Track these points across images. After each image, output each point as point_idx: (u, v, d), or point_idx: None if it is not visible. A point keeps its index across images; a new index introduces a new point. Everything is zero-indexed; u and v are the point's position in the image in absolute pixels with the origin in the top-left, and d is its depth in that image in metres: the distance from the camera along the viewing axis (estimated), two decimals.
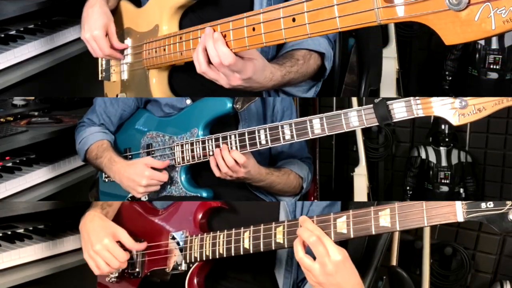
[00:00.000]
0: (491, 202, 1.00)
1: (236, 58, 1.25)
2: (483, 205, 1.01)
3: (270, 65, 1.38)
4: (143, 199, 1.65)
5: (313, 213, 1.46)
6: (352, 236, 1.13)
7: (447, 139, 2.95)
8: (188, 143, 1.57)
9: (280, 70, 1.42)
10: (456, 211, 1.03)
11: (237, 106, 1.52)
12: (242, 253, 1.28)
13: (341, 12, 1.03)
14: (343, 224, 1.14)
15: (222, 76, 1.31)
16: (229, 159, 1.46)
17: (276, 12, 1.16)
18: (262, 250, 1.25)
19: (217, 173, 1.50)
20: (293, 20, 1.12)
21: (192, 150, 1.56)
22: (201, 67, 1.31)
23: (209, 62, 1.30)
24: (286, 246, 1.23)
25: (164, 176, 1.58)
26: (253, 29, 1.21)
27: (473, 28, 0.86)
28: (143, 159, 1.62)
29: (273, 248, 1.24)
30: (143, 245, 1.46)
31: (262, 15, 1.19)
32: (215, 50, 1.26)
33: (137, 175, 1.57)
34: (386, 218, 1.10)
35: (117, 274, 1.50)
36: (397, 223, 1.08)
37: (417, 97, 1.23)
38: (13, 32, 2.00)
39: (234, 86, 1.32)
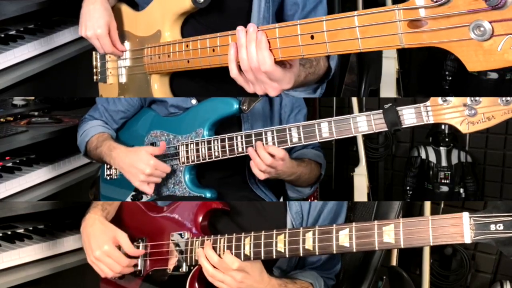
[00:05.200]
0: (501, 224, 0.97)
1: (275, 67, 1.17)
2: (492, 226, 0.98)
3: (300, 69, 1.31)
4: (145, 198, 1.65)
5: (325, 220, 1.46)
6: (354, 250, 1.12)
7: (447, 139, 2.95)
8: (193, 143, 1.57)
9: (304, 71, 1.38)
10: (464, 232, 1.00)
11: (244, 107, 1.52)
12: (242, 259, 1.26)
13: (363, 34, 1.03)
14: (345, 237, 1.13)
15: (257, 87, 1.22)
16: (266, 156, 1.40)
17: (293, 28, 1.13)
18: (263, 258, 1.24)
19: (261, 176, 1.44)
20: (312, 37, 1.10)
21: (197, 150, 1.55)
22: (232, 71, 1.22)
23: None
24: (287, 255, 1.21)
25: (167, 168, 1.57)
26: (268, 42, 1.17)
27: (496, 57, 0.88)
28: (144, 148, 1.59)
29: (274, 256, 1.23)
30: (142, 251, 1.46)
31: (278, 29, 1.16)
32: (256, 53, 1.16)
33: (141, 163, 1.54)
34: (390, 234, 1.08)
35: None
36: (401, 240, 1.06)
37: (426, 102, 1.21)
38: (13, 32, 2.00)
39: (272, 96, 1.24)
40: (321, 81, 1.54)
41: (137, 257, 1.48)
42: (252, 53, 1.17)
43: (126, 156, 1.60)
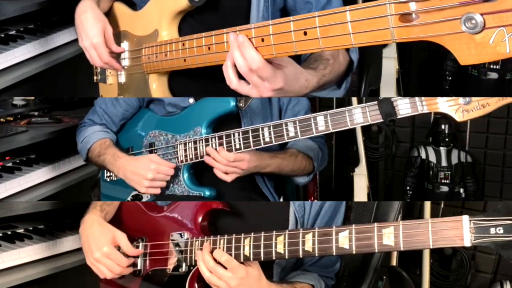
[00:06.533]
0: (501, 227, 0.97)
1: (265, 62, 1.16)
2: (492, 230, 0.97)
3: (305, 72, 1.30)
4: (145, 198, 1.65)
5: (324, 218, 1.46)
6: (354, 252, 1.12)
7: (447, 139, 2.95)
8: (191, 142, 1.57)
9: (315, 75, 1.35)
10: (464, 235, 1.00)
11: (240, 104, 1.53)
12: (242, 260, 1.26)
13: (355, 29, 1.02)
14: (345, 239, 1.13)
15: (253, 90, 1.21)
16: (221, 159, 1.48)
17: (286, 25, 1.13)
18: (262, 259, 1.24)
19: (227, 179, 1.51)
20: (305, 33, 1.10)
21: (196, 149, 1.56)
22: (232, 83, 1.22)
23: (240, 76, 1.22)
24: (286, 256, 1.21)
25: (170, 170, 1.58)
26: (262, 40, 1.17)
27: (488, 50, 0.88)
28: (148, 156, 1.62)
29: (274, 258, 1.23)
30: (141, 251, 1.47)
31: (272, 26, 1.16)
32: (242, 55, 1.17)
33: (143, 169, 1.57)
34: (390, 236, 1.07)
35: None
36: (401, 243, 1.06)
37: (422, 98, 1.22)
38: (13, 32, 2.01)
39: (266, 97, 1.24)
40: (345, 75, 1.52)
41: (136, 257, 1.48)
42: (238, 57, 1.17)
43: (129, 164, 1.62)
